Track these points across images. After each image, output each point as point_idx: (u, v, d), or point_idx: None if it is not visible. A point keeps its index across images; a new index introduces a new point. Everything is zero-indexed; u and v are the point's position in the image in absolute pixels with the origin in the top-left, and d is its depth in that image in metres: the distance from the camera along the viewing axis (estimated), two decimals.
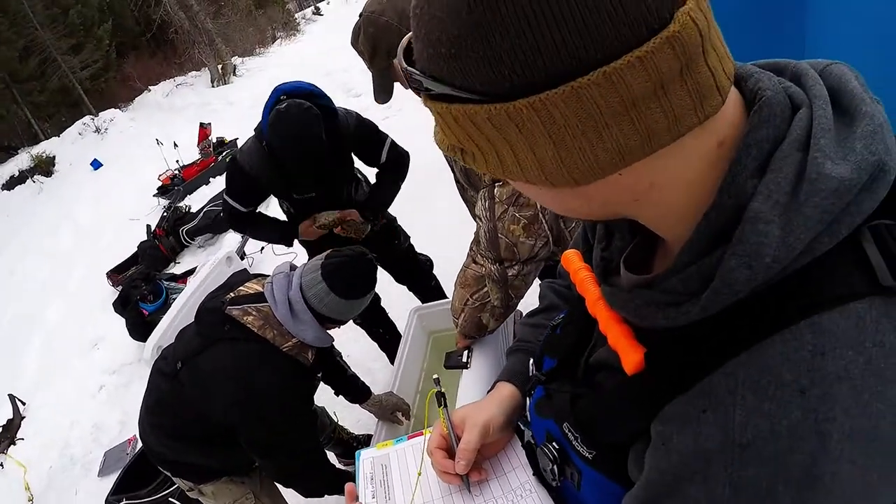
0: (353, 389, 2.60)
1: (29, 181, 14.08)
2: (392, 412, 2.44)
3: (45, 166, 14.36)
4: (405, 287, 3.43)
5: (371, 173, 2.99)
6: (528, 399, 0.85)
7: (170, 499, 3.33)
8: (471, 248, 1.82)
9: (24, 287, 9.20)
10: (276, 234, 2.86)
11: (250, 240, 6.16)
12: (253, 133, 2.55)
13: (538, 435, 0.80)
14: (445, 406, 0.93)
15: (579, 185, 0.49)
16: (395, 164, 2.86)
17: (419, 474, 0.95)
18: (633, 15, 0.41)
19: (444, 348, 2.76)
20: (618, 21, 0.41)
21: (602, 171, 0.47)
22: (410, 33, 0.54)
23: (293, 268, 2.05)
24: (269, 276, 2.06)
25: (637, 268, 0.63)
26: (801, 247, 0.46)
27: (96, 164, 13.34)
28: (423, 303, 3.47)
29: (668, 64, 0.42)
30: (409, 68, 0.51)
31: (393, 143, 2.82)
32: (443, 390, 0.98)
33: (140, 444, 4.18)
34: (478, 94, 0.46)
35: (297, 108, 2.30)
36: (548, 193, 0.55)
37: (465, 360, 2.00)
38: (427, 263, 3.40)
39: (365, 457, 1.06)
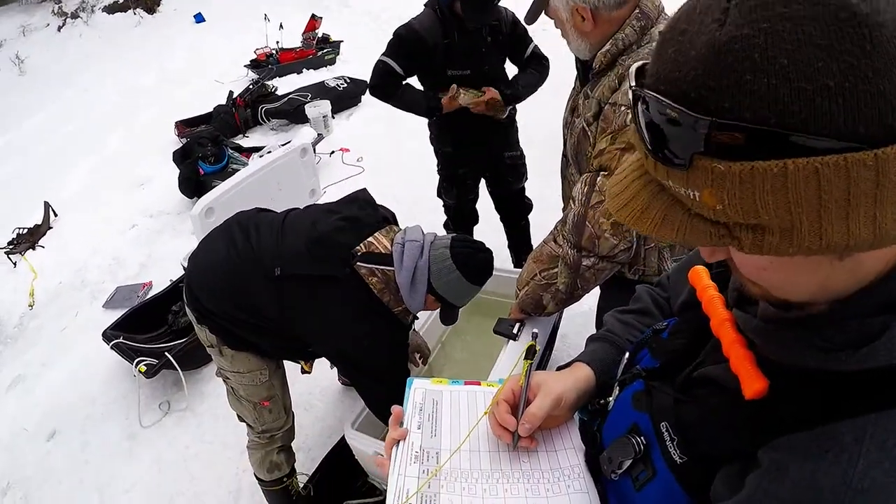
0: None
1: (130, 12, 14.07)
2: (412, 351, 2.51)
3: (149, 3, 14.36)
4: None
5: None
6: (617, 388, 0.87)
7: (165, 352, 3.29)
8: (555, 227, 1.82)
9: (93, 108, 9.27)
10: (423, 103, 3.02)
11: (323, 140, 6.02)
12: (424, 6, 2.91)
13: (618, 425, 0.81)
14: (532, 363, 0.94)
15: (849, 255, 0.51)
16: (538, 61, 3.12)
17: (479, 420, 0.93)
18: None
19: (480, 310, 2.97)
20: None
21: (884, 244, 0.47)
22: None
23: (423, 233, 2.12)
24: (397, 229, 2.12)
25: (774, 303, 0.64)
26: None
27: (199, 18, 13.34)
28: (508, 235, 3.69)
29: None
30: (699, 117, 0.46)
31: (537, 47, 3.11)
32: (538, 348, 0.97)
33: (153, 292, 4.16)
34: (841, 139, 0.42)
35: None
36: (789, 263, 0.53)
37: (515, 331, 2.00)
38: (529, 206, 3.59)
39: (417, 386, 1.02)
